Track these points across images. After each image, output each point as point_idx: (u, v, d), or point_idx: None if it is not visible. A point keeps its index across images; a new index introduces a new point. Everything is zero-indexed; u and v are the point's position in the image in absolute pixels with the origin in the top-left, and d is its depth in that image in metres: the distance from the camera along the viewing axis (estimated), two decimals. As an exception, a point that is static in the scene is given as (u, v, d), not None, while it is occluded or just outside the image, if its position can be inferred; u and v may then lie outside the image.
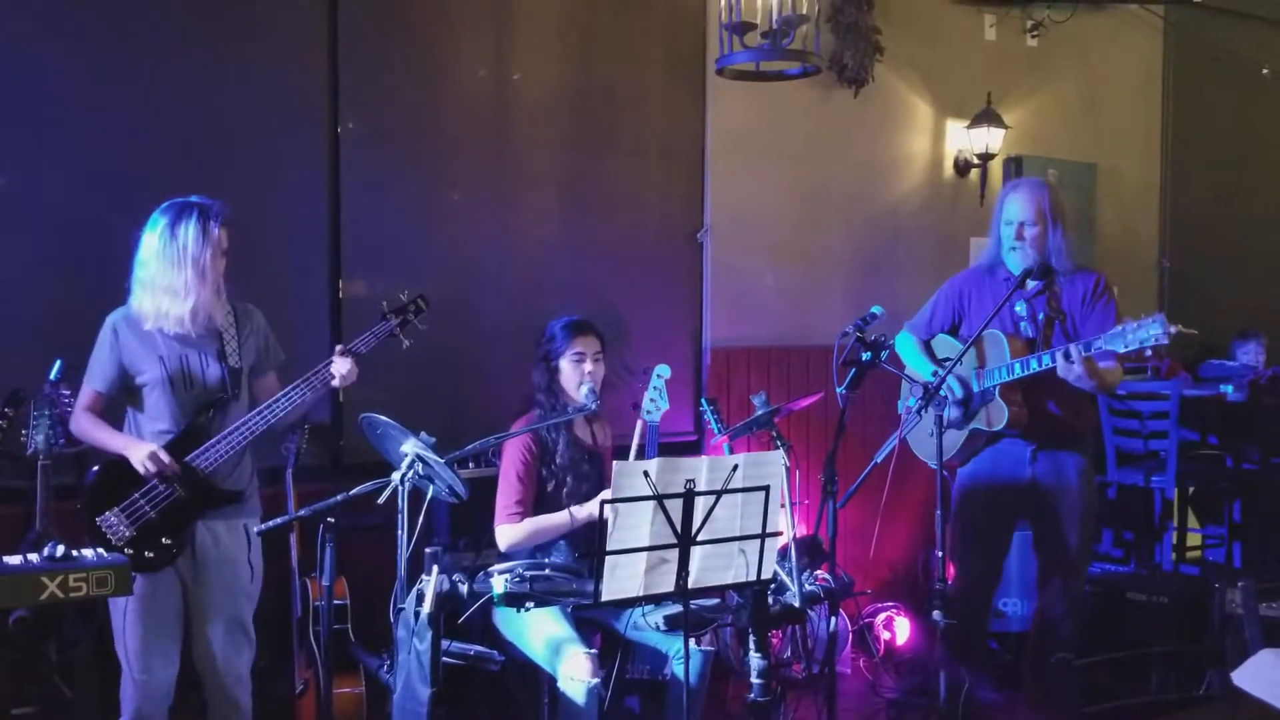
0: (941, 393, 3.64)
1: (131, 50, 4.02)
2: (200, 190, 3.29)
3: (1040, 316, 3.94)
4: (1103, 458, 5.47)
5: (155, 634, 3.18)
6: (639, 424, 3.73)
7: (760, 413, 3.83)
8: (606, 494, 3.51)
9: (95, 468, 3.19)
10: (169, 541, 3.17)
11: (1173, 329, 3.43)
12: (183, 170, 3.95)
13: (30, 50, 3.86)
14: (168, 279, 3.15)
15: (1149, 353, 3.59)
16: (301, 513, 3.19)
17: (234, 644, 3.31)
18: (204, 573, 3.24)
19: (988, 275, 4.10)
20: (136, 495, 3.14)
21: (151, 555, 3.14)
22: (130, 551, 3.11)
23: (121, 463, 3.16)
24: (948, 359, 4.09)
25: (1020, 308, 3.95)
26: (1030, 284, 3.96)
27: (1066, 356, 3.63)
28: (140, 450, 3.12)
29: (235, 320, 3.33)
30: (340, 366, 3.28)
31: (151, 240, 3.17)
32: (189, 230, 3.15)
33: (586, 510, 3.59)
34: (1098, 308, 3.87)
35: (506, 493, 3.65)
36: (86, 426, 3.23)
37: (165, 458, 3.12)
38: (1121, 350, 3.56)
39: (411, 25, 4.54)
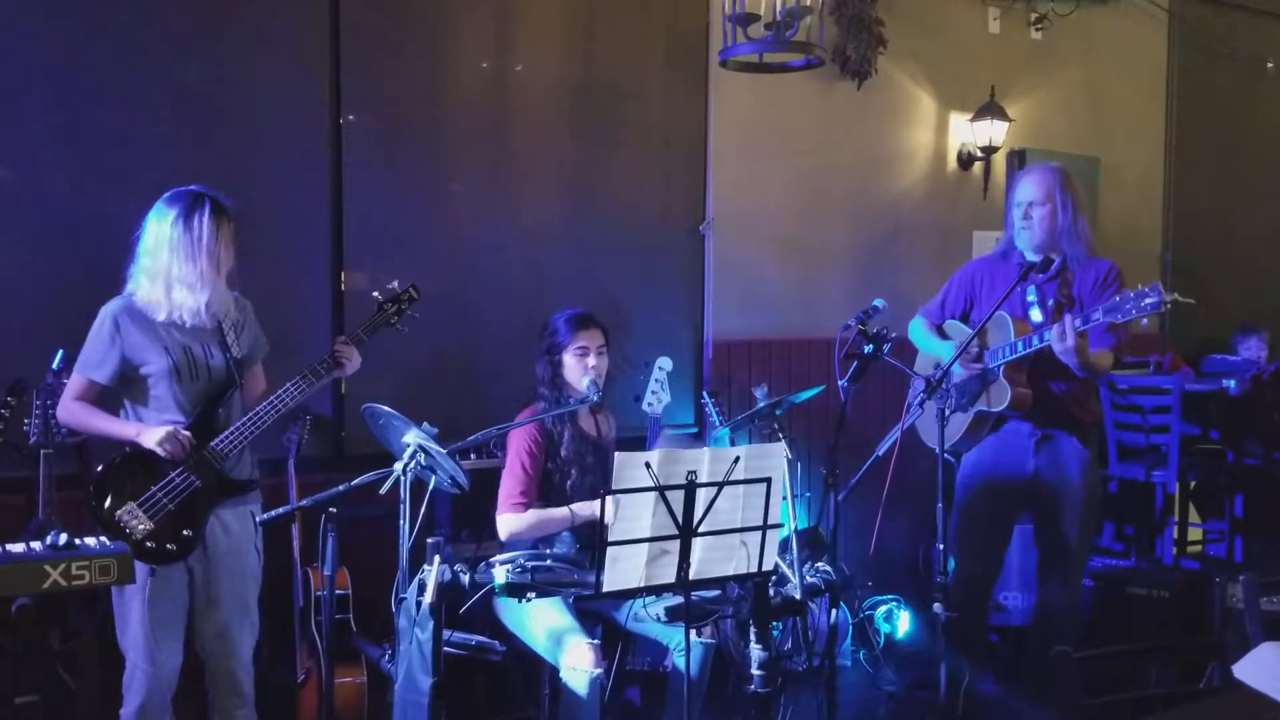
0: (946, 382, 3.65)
1: (133, 43, 4.02)
2: (202, 182, 3.27)
3: (1050, 302, 3.94)
4: (1104, 452, 5.47)
5: (163, 625, 3.17)
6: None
7: (762, 405, 3.83)
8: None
9: (102, 465, 3.14)
10: (189, 533, 3.16)
11: (1169, 297, 3.44)
12: (184, 162, 3.96)
13: (31, 43, 3.86)
14: (181, 271, 3.13)
15: (1145, 322, 3.60)
16: (303, 503, 3.19)
17: (242, 628, 3.31)
18: (215, 561, 3.24)
19: (1002, 261, 4.11)
20: (155, 489, 3.10)
21: (173, 547, 3.13)
22: (152, 545, 3.09)
23: (132, 457, 3.13)
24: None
25: (1031, 293, 3.96)
26: (1044, 271, 3.97)
27: (1061, 333, 3.64)
28: (155, 433, 3.09)
29: (234, 310, 3.33)
30: (347, 353, 3.31)
31: (161, 230, 3.14)
32: (203, 222, 3.14)
33: (589, 509, 3.60)
34: (1106, 295, 3.87)
35: (511, 482, 3.66)
36: (81, 415, 3.18)
37: (183, 437, 3.11)
38: (1120, 320, 3.57)
39: (413, 17, 4.53)
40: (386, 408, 3.12)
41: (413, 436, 3.07)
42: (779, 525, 2.92)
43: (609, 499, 2.68)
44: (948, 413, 3.85)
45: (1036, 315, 3.96)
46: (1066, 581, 4.07)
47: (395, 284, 3.49)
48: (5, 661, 3.50)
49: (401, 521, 3.04)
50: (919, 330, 4.24)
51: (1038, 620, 4.22)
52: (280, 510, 3.22)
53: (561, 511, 3.63)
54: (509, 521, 3.63)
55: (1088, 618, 4.61)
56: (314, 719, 3.85)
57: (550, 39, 4.87)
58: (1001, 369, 3.86)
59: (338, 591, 3.77)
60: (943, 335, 4.19)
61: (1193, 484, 5.62)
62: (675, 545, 2.78)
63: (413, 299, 3.50)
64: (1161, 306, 3.45)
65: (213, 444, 3.16)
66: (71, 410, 3.19)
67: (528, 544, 3.59)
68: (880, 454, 3.80)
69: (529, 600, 3.15)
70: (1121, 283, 3.91)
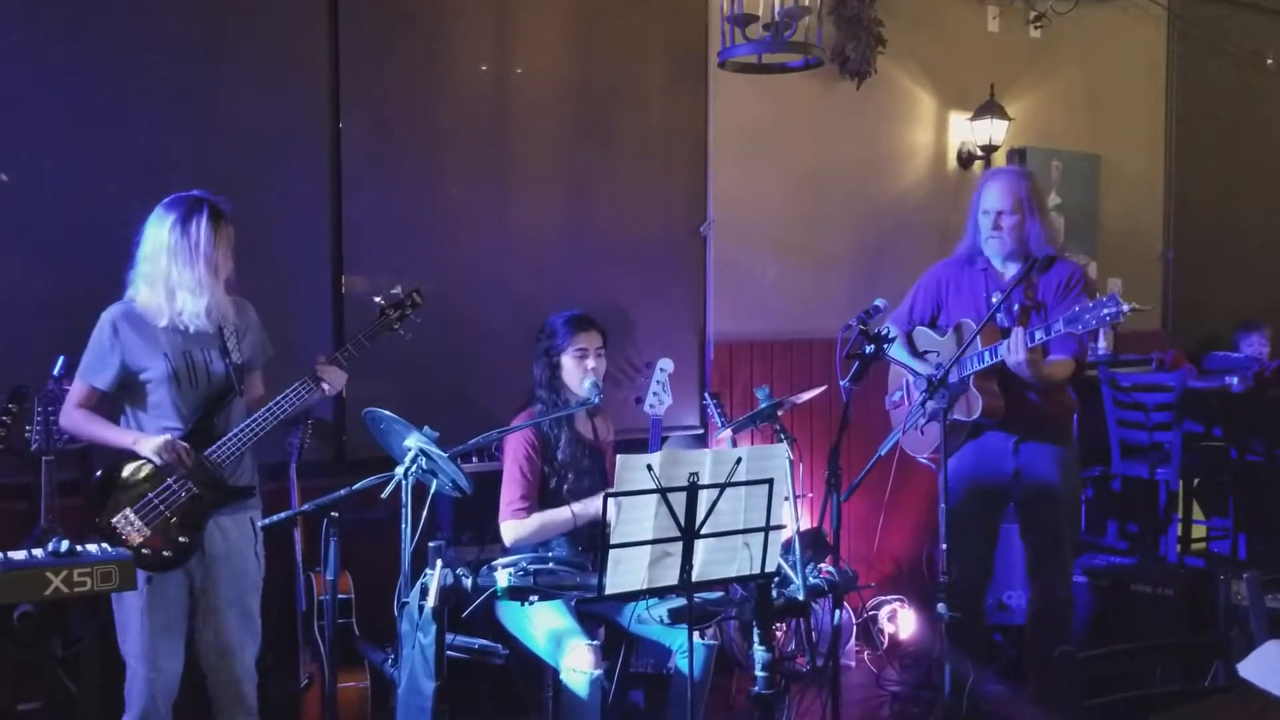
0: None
1: (133, 48, 4.01)
2: (202, 187, 3.28)
3: (1016, 307, 3.95)
4: (1107, 450, 5.47)
5: (163, 631, 3.17)
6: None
7: (763, 406, 3.82)
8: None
9: (100, 471, 3.15)
10: (185, 540, 3.15)
11: (1126, 306, 3.45)
12: (184, 167, 3.95)
13: (32, 49, 3.86)
14: (181, 276, 3.13)
15: (1104, 332, 3.62)
16: (305, 507, 3.18)
17: (242, 635, 3.31)
18: (213, 567, 3.24)
19: (966, 265, 4.11)
20: (151, 495, 3.11)
21: (170, 554, 3.13)
22: (148, 551, 3.08)
23: (129, 463, 3.12)
24: (927, 351, 4.11)
25: (996, 298, 3.96)
26: (1009, 274, 3.97)
27: (1010, 345, 3.66)
28: (151, 441, 3.10)
29: (234, 315, 3.32)
30: (325, 373, 3.27)
31: (160, 235, 3.14)
32: (202, 227, 3.13)
33: (592, 507, 3.59)
34: (1069, 299, 3.87)
35: (511, 488, 3.65)
36: (82, 423, 3.18)
37: (180, 446, 3.10)
38: (1080, 330, 3.58)
39: (412, 20, 4.53)
40: (387, 412, 3.12)
41: (414, 440, 3.06)
42: (781, 526, 2.92)
43: (611, 501, 2.68)
44: (923, 423, 3.86)
45: (1002, 320, 3.96)
46: (1057, 579, 4.07)
47: (399, 289, 3.48)
48: (8, 669, 3.50)
49: (403, 525, 3.04)
50: (894, 347, 4.24)
51: (1033, 620, 4.21)
52: (282, 515, 3.22)
53: (564, 513, 3.62)
54: (512, 528, 3.62)
55: (1092, 616, 4.60)
56: (317, 724, 3.84)
57: (549, 41, 4.86)
58: (972, 378, 3.85)
59: (340, 596, 3.77)
60: (911, 344, 4.20)
61: (1196, 481, 5.61)
62: (678, 547, 2.78)
63: (416, 304, 3.47)
64: (1120, 316, 3.47)
65: (207, 452, 3.16)
66: (73, 418, 3.20)
67: (531, 546, 3.59)
68: (882, 454, 3.79)
69: (531, 604, 3.15)
70: (1085, 285, 3.95)
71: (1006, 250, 3.98)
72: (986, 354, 3.78)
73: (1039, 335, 3.67)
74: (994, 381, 3.89)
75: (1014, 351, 3.67)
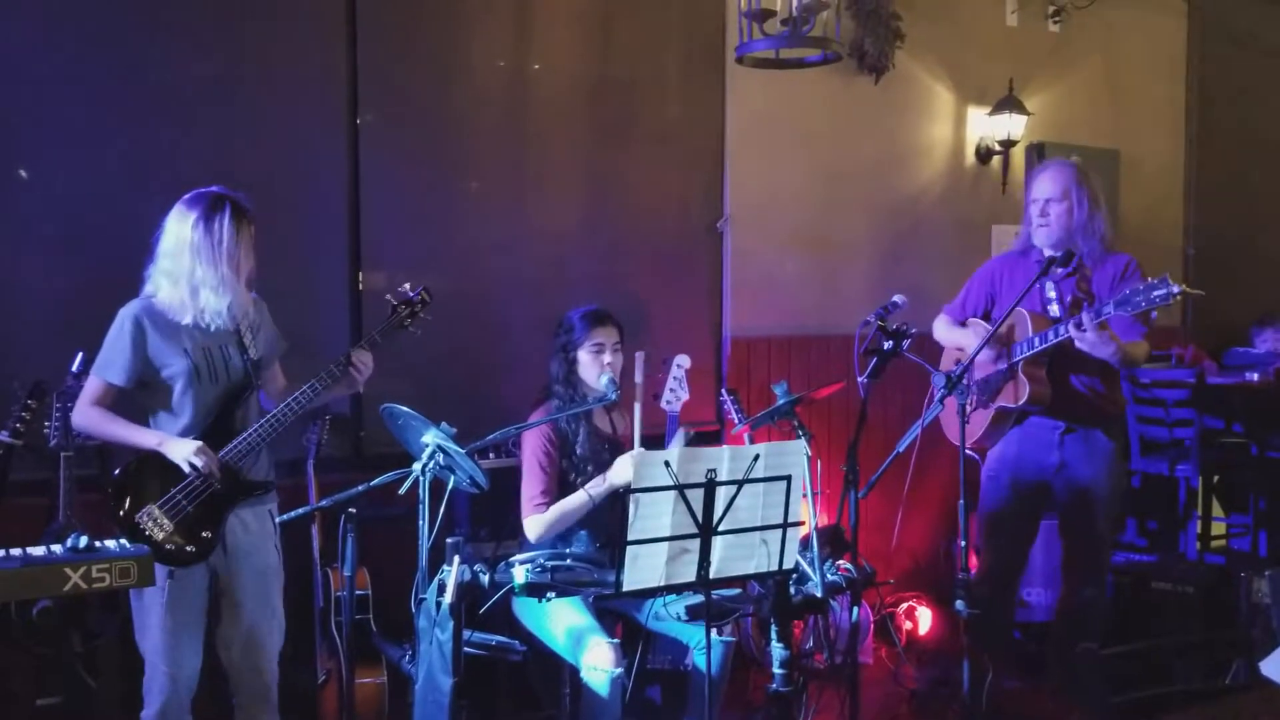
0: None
1: (150, 44, 4.03)
2: (220, 183, 3.26)
3: (1069, 298, 3.93)
4: (1127, 446, 5.43)
5: (184, 626, 3.16)
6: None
7: (781, 402, 3.80)
8: (620, 464, 3.52)
9: (119, 468, 3.13)
10: (208, 534, 3.15)
11: (1176, 288, 3.43)
12: (203, 163, 3.96)
13: (49, 46, 3.88)
14: (205, 274, 3.11)
15: (1154, 315, 3.60)
16: (323, 503, 3.19)
17: (268, 628, 3.30)
18: (236, 560, 3.23)
19: (1021, 258, 4.11)
20: (174, 491, 3.09)
21: (193, 549, 3.12)
22: (172, 548, 3.07)
23: (152, 458, 3.11)
24: None
25: (1050, 290, 3.94)
26: (1063, 266, 3.95)
27: (1079, 326, 3.61)
28: (184, 446, 3.08)
29: (253, 312, 3.32)
30: (363, 357, 3.28)
31: (182, 232, 3.12)
32: (224, 225, 3.12)
33: (606, 484, 3.57)
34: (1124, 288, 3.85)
35: (530, 484, 3.64)
36: (98, 420, 3.15)
37: (209, 455, 3.09)
38: (1131, 312, 3.56)
39: (430, 16, 4.53)
40: (405, 408, 3.11)
41: (431, 436, 3.06)
42: (800, 523, 2.90)
43: (629, 497, 2.68)
44: (969, 409, 3.84)
45: (1055, 311, 3.95)
46: (1092, 576, 4.04)
47: (407, 286, 3.47)
48: (28, 664, 3.51)
49: (421, 521, 3.04)
50: (943, 327, 4.23)
51: (1062, 615, 4.19)
52: (300, 510, 3.22)
53: (578, 497, 3.59)
54: (534, 524, 3.61)
55: (1112, 613, 4.58)
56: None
57: (567, 37, 4.86)
58: (1020, 365, 3.84)
59: (357, 592, 3.78)
60: None
61: (1216, 478, 5.57)
62: (695, 544, 2.77)
63: (425, 302, 3.46)
64: (1170, 298, 3.45)
65: (223, 452, 3.14)
66: (89, 416, 3.16)
67: (549, 542, 3.58)
68: (901, 450, 3.78)
69: (549, 600, 3.15)
70: (1141, 276, 3.90)
71: (1054, 239, 3.95)
72: (1052, 333, 3.74)
73: (1091, 319, 3.63)
74: (1043, 369, 3.87)
75: (1081, 327, 3.61)
